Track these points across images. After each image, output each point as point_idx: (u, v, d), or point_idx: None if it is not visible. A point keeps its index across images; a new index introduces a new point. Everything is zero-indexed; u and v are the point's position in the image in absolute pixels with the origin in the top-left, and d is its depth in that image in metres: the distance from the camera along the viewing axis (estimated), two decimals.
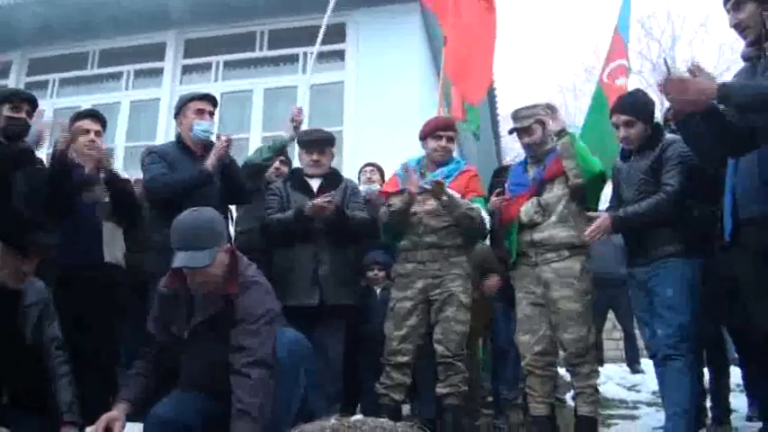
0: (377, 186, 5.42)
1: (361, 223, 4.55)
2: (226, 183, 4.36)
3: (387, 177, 5.47)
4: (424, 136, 4.55)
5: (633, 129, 3.94)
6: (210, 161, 4.22)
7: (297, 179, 4.70)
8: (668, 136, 3.95)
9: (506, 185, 4.53)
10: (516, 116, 4.38)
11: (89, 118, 4.47)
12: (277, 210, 4.54)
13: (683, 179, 3.74)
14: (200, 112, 4.42)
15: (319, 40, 5.86)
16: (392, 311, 4.31)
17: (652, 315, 3.84)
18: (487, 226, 4.38)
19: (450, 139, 4.57)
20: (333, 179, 4.71)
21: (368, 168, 5.71)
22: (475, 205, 4.30)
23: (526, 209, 4.23)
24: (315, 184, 4.63)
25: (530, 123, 4.30)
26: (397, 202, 4.31)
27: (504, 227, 4.44)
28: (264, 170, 5.14)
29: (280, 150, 5.12)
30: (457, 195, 4.25)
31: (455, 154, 4.83)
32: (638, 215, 3.77)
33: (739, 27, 3.17)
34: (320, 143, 4.72)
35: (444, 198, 4.19)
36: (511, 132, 4.52)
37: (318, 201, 4.31)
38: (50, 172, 4.07)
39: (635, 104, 4.02)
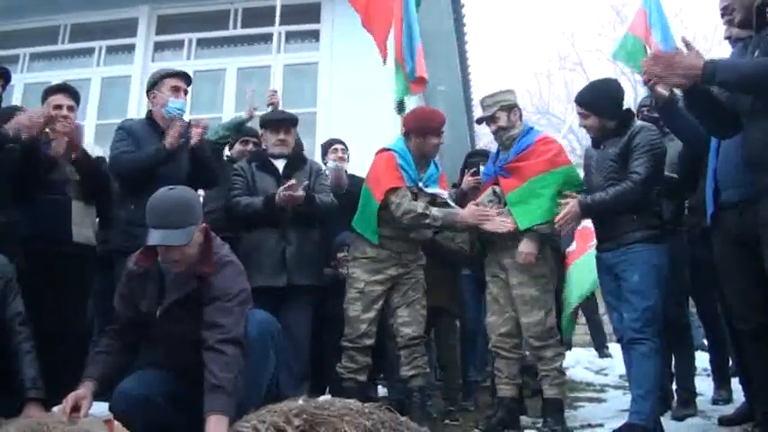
0: (346, 164, 5.45)
1: (328, 207, 4.54)
2: (194, 166, 4.31)
3: (353, 156, 5.54)
4: (426, 132, 4.35)
5: (587, 121, 4.01)
6: (168, 140, 4.14)
7: (261, 159, 4.65)
8: (637, 123, 3.98)
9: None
10: (481, 105, 4.46)
11: (61, 93, 4.36)
12: (242, 191, 4.48)
13: (652, 166, 3.77)
14: (176, 89, 4.36)
15: (277, 20, 5.92)
16: (362, 294, 4.27)
17: (619, 299, 3.89)
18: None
19: None
20: (297, 160, 4.68)
21: (339, 147, 5.64)
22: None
23: (483, 199, 4.37)
24: (280, 164, 4.60)
25: (493, 111, 4.34)
26: (439, 215, 4.18)
27: None
28: (222, 149, 5.14)
29: (236, 129, 5.12)
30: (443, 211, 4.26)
31: None
32: (604, 202, 3.80)
33: (727, 9, 3.24)
34: (286, 122, 4.69)
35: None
36: (479, 122, 4.57)
37: (290, 192, 4.25)
38: (20, 150, 3.98)
39: (588, 98, 4.04)
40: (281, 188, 4.28)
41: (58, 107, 4.26)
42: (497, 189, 4.32)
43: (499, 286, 4.31)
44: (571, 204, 3.87)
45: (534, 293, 4.16)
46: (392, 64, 5.76)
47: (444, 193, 4.43)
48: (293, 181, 4.28)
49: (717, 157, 3.23)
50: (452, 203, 4.42)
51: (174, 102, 4.32)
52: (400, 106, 5.64)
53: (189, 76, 4.56)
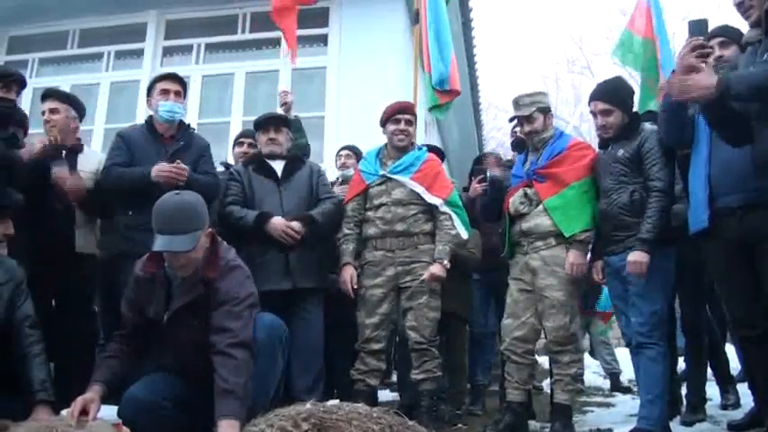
0: (351, 171, 5.35)
1: (332, 217, 4.50)
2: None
3: None
4: (384, 122, 4.59)
5: (611, 117, 3.96)
6: (155, 175, 4.05)
7: (259, 163, 4.58)
8: (646, 127, 3.96)
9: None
10: (517, 103, 4.33)
11: (49, 98, 4.41)
12: (237, 197, 4.42)
13: (669, 167, 3.76)
14: (164, 92, 4.36)
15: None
16: (363, 299, 4.34)
17: (627, 303, 3.88)
18: (463, 233, 4.44)
19: (409, 122, 4.57)
20: (296, 162, 4.64)
21: (343, 153, 5.68)
22: (446, 228, 4.40)
23: (513, 200, 4.27)
24: (278, 167, 4.54)
25: (531, 111, 4.25)
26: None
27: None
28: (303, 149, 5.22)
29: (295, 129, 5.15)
30: (441, 247, 4.34)
31: (427, 138, 4.84)
32: (656, 228, 3.69)
33: (742, 7, 3.20)
34: (273, 120, 4.67)
35: (444, 274, 4.30)
36: (512, 120, 4.51)
37: (290, 232, 4.24)
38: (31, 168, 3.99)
39: (614, 93, 4.01)
40: (282, 224, 4.26)
41: (46, 113, 4.35)
42: (529, 192, 4.21)
43: (520, 289, 4.23)
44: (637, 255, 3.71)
45: (561, 298, 4.05)
46: (410, 68, 5.89)
47: (412, 185, 4.40)
48: (297, 225, 4.27)
49: (709, 163, 3.21)
50: (419, 189, 4.38)
51: (163, 105, 4.32)
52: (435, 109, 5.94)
53: (179, 78, 4.52)
